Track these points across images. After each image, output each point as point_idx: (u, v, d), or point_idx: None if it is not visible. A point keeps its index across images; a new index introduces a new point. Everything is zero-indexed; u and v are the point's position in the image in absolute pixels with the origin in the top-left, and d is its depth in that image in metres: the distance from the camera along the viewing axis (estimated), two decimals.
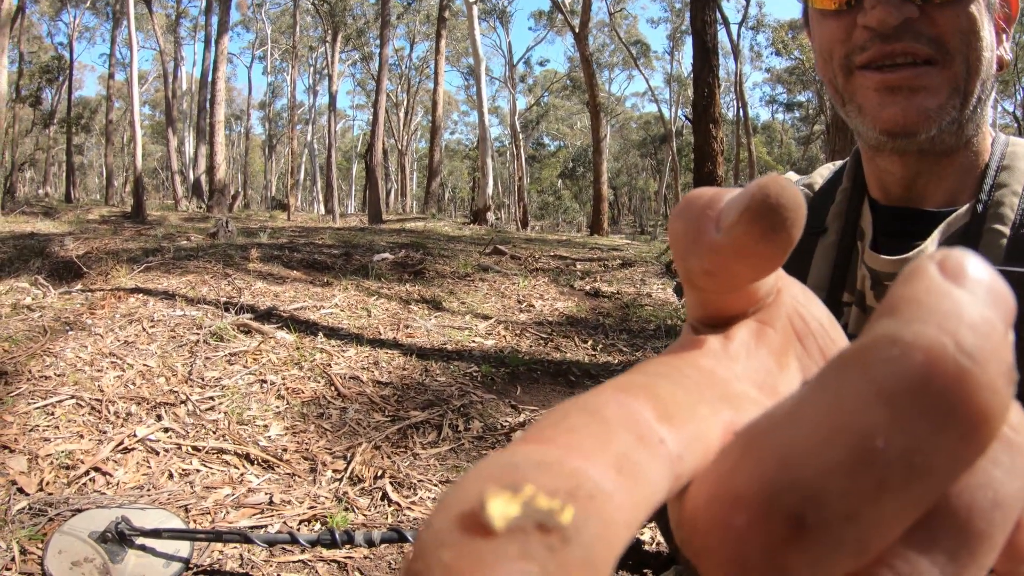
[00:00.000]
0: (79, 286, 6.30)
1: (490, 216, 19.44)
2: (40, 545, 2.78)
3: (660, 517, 1.78)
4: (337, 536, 2.69)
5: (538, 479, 0.14)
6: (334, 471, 3.59)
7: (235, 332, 5.20)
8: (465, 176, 53.34)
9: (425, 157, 38.98)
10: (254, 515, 3.17)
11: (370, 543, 2.72)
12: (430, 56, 36.48)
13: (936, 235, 0.89)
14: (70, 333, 4.99)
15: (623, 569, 2.83)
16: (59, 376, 4.26)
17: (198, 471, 3.48)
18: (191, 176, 28.06)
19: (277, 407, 4.23)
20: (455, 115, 55.08)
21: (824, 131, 32.90)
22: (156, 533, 2.67)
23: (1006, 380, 0.15)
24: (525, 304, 6.99)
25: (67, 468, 3.38)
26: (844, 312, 0.98)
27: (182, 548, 2.75)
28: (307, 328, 5.52)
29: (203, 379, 4.45)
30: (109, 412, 3.89)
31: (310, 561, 2.87)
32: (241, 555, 2.86)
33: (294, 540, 2.72)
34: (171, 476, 3.42)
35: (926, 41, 0.83)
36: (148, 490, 3.29)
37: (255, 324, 5.36)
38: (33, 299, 5.83)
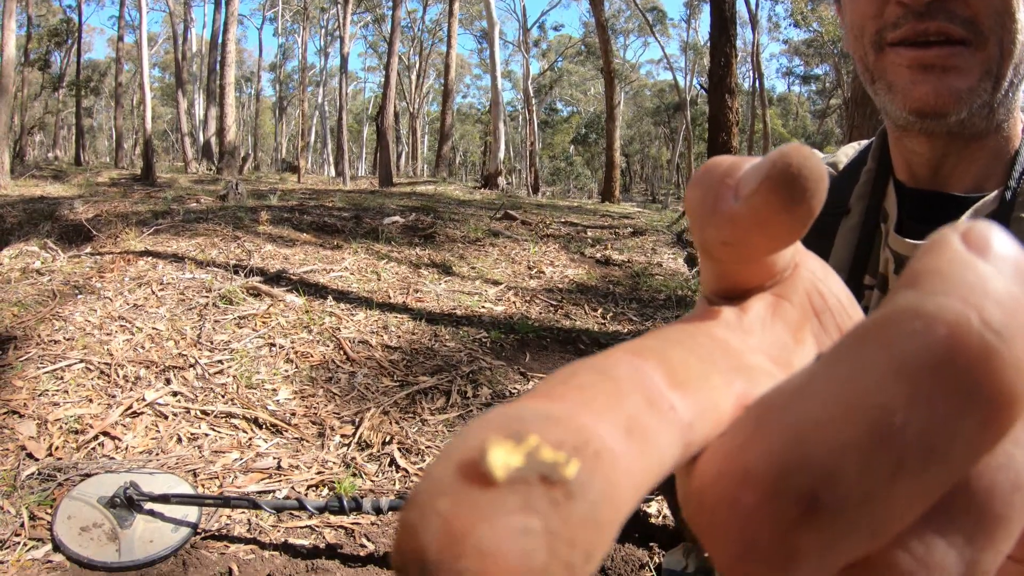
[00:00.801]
0: (88, 249, 6.31)
1: (501, 181, 19.38)
2: (49, 511, 2.79)
3: (669, 491, 1.76)
4: (345, 503, 2.70)
5: (544, 431, 0.13)
6: (342, 436, 3.59)
7: (244, 295, 5.20)
8: (477, 140, 53.16)
9: (437, 120, 38.83)
10: (262, 480, 3.18)
11: (377, 510, 2.73)
12: (443, 19, 36.23)
13: (963, 221, 0.86)
14: (79, 297, 4.99)
15: (629, 542, 2.83)
16: (68, 340, 4.27)
17: (206, 435, 3.48)
18: (201, 138, 27.99)
19: (286, 371, 4.23)
20: (467, 79, 54.85)
21: (841, 105, 32.65)
22: (164, 498, 2.69)
23: None
24: (535, 270, 6.97)
25: (76, 433, 3.39)
26: (865, 295, 0.97)
27: (190, 513, 2.76)
28: (317, 291, 5.51)
29: (212, 343, 4.45)
30: (118, 376, 3.90)
31: (317, 527, 2.88)
32: (249, 520, 2.87)
33: (302, 506, 2.73)
34: (180, 440, 3.43)
35: (960, 22, 0.80)
36: (157, 454, 3.29)
37: (264, 287, 5.35)
38: (42, 263, 5.84)
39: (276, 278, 5.72)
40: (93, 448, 3.32)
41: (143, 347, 4.30)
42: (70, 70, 33.63)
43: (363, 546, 2.82)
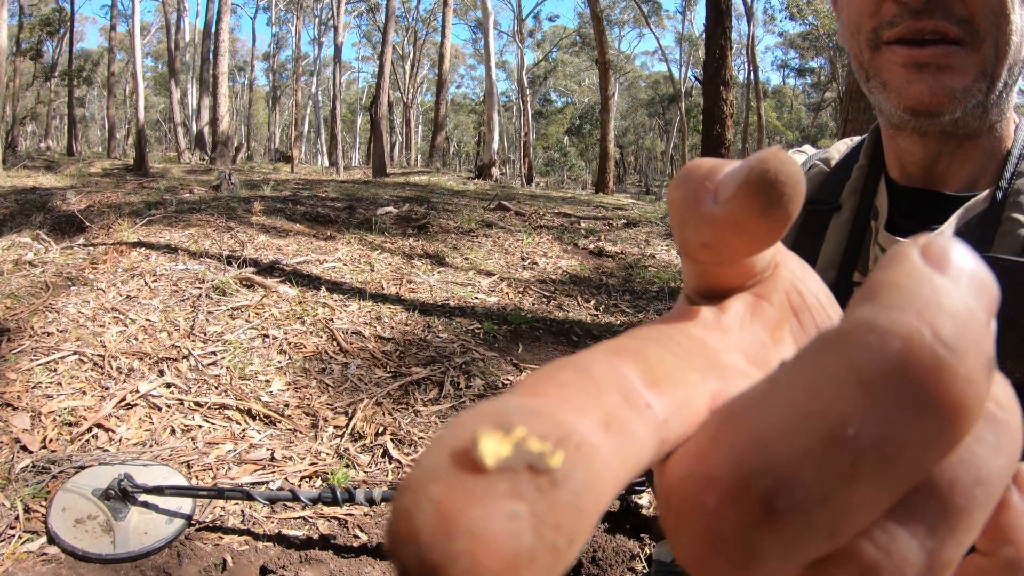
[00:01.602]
0: (81, 240, 6.29)
1: (495, 171, 19.35)
2: (44, 503, 2.80)
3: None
4: (338, 494, 2.71)
5: (530, 424, 0.14)
6: (335, 427, 3.60)
7: (238, 286, 5.20)
8: (471, 130, 53.00)
9: (431, 110, 38.71)
10: (256, 471, 3.19)
11: (371, 501, 2.75)
12: (438, 8, 36.04)
13: (954, 219, 0.88)
14: (72, 288, 4.98)
15: (621, 533, 2.85)
16: (61, 332, 4.27)
17: (200, 427, 3.49)
18: (194, 128, 27.87)
19: (279, 362, 4.23)
20: (462, 69, 54.64)
21: (836, 99, 32.61)
22: (159, 490, 2.70)
23: (985, 372, 0.15)
24: (528, 261, 6.97)
25: (70, 425, 3.40)
26: (854, 291, 0.96)
27: (184, 505, 2.77)
28: (310, 282, 5.51)
29: (205, 334, 4.45)
30: (111, 368, 3.90)
31: (311, 518, 2.89)
32: (243, 511, 2.88)
33: (295, 497, 2.74)
34: (173, 432, 3.44)
35: (956, 21, 0.80)
36: (150, 446, 3.30)
37: (258, 278, 5.35)
38: (35, 254, 5.82)
39: (269, 269, 5.72)
40: (87, 440, 3.32)
41: (136, 339, 4.30)
42: (62, 59, 33.49)
43: (356, 537, 2.83)
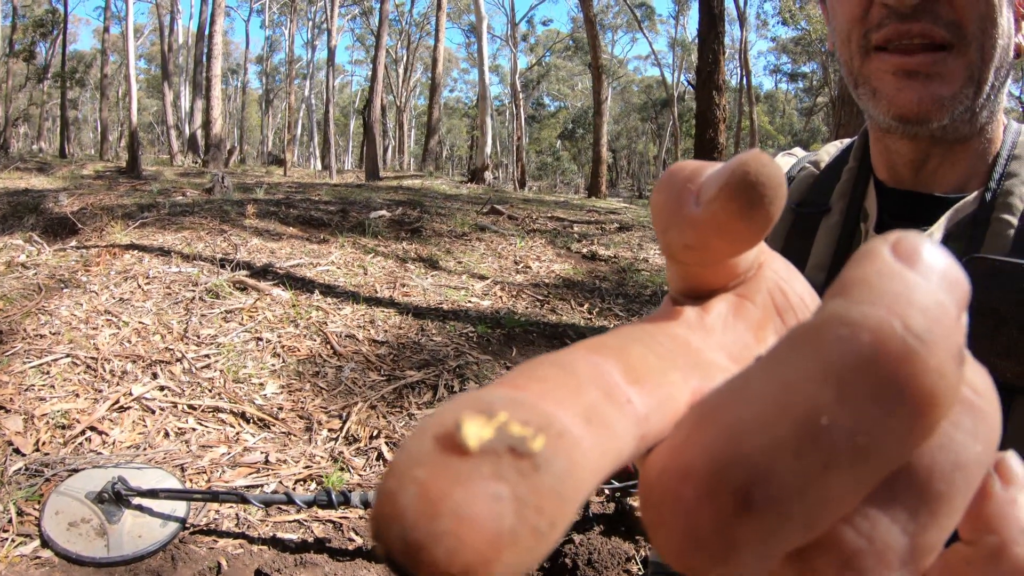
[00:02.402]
0: (74, 243, 6.28)
1: (488, 175, 19.33)
2: (37, 506, 2.79)
3: None
4: (333, 497, 2.71)
5: (511, 411, 0.14)
6: (330, 430, 3.60)
7: (231, 289, 5.19)
8: (464, 134, 53.03)
9: (424, 114, 38.77)
10: (250, 474, 3.19)
11: (366, 504, 2.74)
12: (431, 12, 36.10)
13: (943, 221, 0.88)
14: (65, 291, 4.97)
15: (616, 535, 2.86)
16: (54, 334, 4.26)
17: (194, 430, 3.48)
18: (187, 131, 27.82)
19: (273, 365, 4.23)
20: (455, 72, 54.72)
21: (828, 103, 32.74)
22: (153, 493, 2.69)
23: (955, 363, 0.15)
24: (522, 265, 6.97)
25: (63, 428, 3.39)
26: None
27: (179, 508, 2.77)
28: (303, 285, 5.51)
29: (199, 337, 4.44)
30: (105, 371, 3.89)
31: (306, 521, 2.89)
32: (237, 515, 2.88)
33: (290, 500, 2.74)
34: (167, 435, 3.43)
35: (944, 24, 0.81)
36: (144, 449, 3.29)
37: (251, 281, 5.34)
38: (27, 256, 5.80)
39: (263, 272, 5.71)
40: (80, 443, 3.31)
41: (130, 341, 4.29)
42: (55, 61, 33.36)
43: (351, 540, 2.83)
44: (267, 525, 2.85)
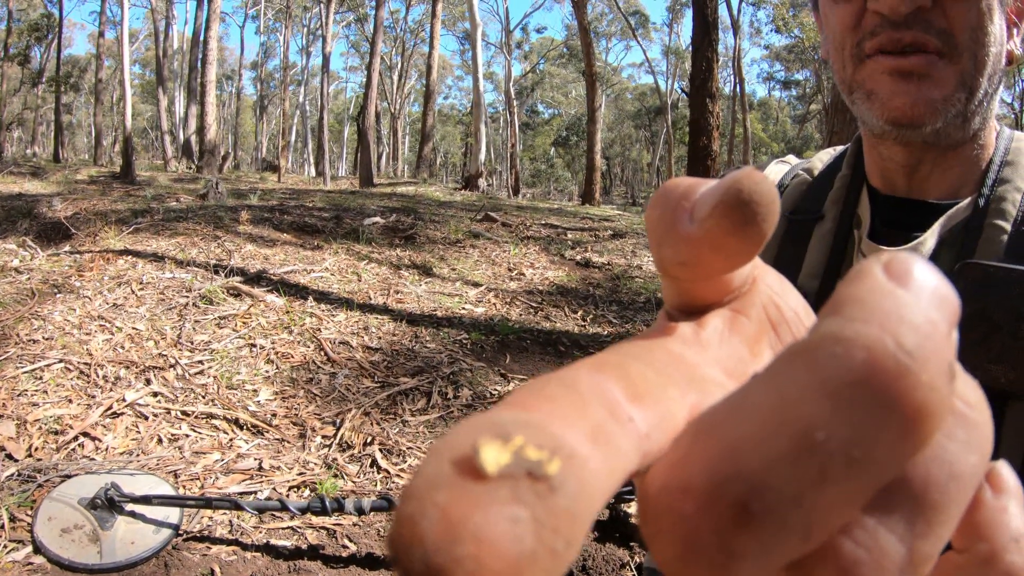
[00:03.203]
0: (67, 248, 6.26)
1: (482, 182, 19.36)
2: (30, 512, 2.78)
3: None
4: (327, 503, 2.70)
5: (525, 434, 0.14)
6: (323, 437, 3.60)
7: (225, 295, 5.18)
8: (458, 141, 53.03)
9: (418, 121, 38.75)
10: (243, 481, 3.18)
11: (360, 511, 2.74)
12: (426, 19, 36.09)
13: (936, 227, 0.89)
14: (58, 296, 4.96)
15: (611, 542, 2.86)
16: (47, 340, 4.25)
17: (187, 436, 3.48)
18: (181, 136, 27.77)
19: (267, 372, 4.23)
20: (449, 79, 54.72)
21: (821, 110, 32.85)
22: (146, 499, 2.68)
23: (946, 378, 0.15)
24: (516, 272, 6.98)
25: (56, 433, 3.38)
26: None
27: (172, 514, 2.76)
28: (297, 292, 5.51)
29: (192, 343, 4.44)
30: (98, 376, 3.88)
31: (299, 528, 2.89)
32: (231, 521, 2.87)
33: (284, 507, 2.73)
34: (160, 441, 3.42)
35: (935, 33, 0.81)
36: (137, 455, 3.29)
37: (245, 287, 5.34)
38: (21, 261, 5.79)
39: (256, 278, 5.70)
40: (73, 449, 3.30)
41: (123, 347, 4.28)
42: (50, 65, 33.28)
43: (345, 547, 2.83)
44: (260, 532, 2.85)
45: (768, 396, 0.15)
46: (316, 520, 2.91)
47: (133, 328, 4.53)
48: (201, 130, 21.12)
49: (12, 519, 2.76)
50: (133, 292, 5.14)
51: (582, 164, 34.66)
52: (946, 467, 0.17)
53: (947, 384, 0.15)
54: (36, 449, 3.26)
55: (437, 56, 24.77)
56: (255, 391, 3.99)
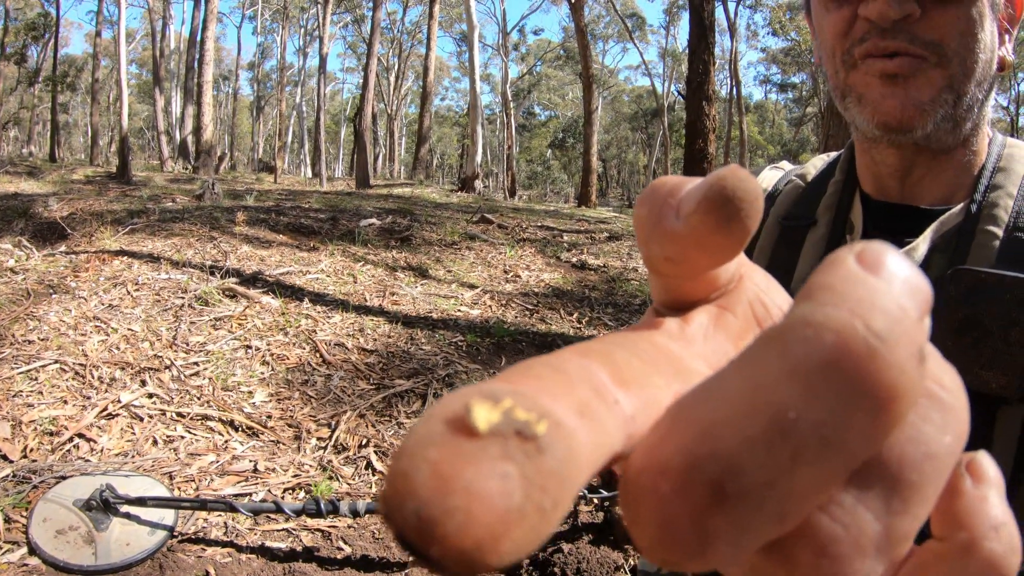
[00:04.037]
0: (63, 248, 6.25)
1: (478, 184, 19.34)
2: (24, 513, 2.78)
3: None
4: (322, 505, 2.70)
5: (514, 399, 0.15)
6: (319, 439, 3.60)
7: (220, 296, 5.18)
8: (454, 143, 53.08)
9: (415, 122, 38.75)
10: (238, 483, 3.18)
11: (355, 513, 2.74)
12: (423, 20, 36.12)
13: (928, 233, 0.89)
14: (54, 296, 4.95)
15: (605, 544, 2.87)
16: (42, 340, 4.24)
17: (182, 438, 3.48)
18: (178, 137, 27.78)
19: (262, 373, 4.23)
20: (446, 81, 54.73)
21: (817, 114, 32.93)
22: (141, 501, 2.68)
23: (916, 360, 0.16)
24: (511, 274, 6.98)
25: (51, 434, 3.38)
26: None
27: (167, 516, 2.76)
28: (293, 293, 5.50)
29: (188, 344, 4.44)
30: (93, 377, 3.88)
31: (294, 530, 2.89)
32: (226, 523, 2.88)
33: (279, 509, 2.73)
34: (155, 443, 3.42)
35: (921, 44, 0.82)
36: (132, 457, 3.29)
37: (241, 288, 5.34)
38: (16, 261, 5.78)
39: (252, 279, 5.70)
40: (68, 450, 3.30)
41: (118, 348, 4.28)
42: (46, 65, 33.24)
43: (340, 549, 2.83)
44: (256, 534, 2.85)
45: (742, 380, 0.16)
46: (311, 522, 2.91)
47: (129, 329, 4.53)
48: (197, 130, 21.09)
49: (7, 520, 2.76)
50: (129, 293, 5.13)
51: (578, 166, 34.71)
52: (921, 447, 0.18)
53: (917, 367, 0.16)
54: (31, 450, 3.26)
55: (434, 58, 24.78)
56: (250, 393, 3.99)
